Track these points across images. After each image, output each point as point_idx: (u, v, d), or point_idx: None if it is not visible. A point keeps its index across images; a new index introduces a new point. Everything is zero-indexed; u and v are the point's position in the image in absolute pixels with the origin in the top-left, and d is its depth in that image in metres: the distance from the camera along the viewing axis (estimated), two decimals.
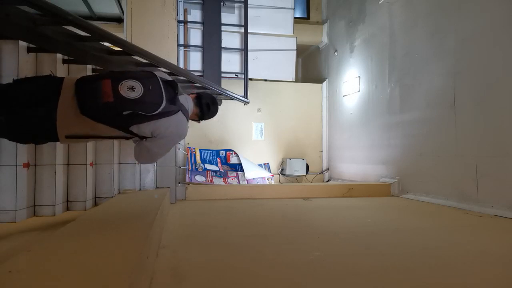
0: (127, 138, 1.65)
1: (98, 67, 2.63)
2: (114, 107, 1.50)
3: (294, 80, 5.34)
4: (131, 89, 1.52)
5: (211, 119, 2.05)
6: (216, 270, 1.41)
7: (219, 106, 2.18)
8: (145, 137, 1.64)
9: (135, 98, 1.51)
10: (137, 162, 1.77)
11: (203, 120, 2.01)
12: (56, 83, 1.53)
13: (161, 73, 1.78)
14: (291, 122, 5.78)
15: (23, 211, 2.17)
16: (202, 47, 4.36)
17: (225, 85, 4.37)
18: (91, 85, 1.52)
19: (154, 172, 3.04)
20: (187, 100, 1.84)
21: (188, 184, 3.94)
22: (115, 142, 2.75)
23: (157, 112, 1.56)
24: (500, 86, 2.67)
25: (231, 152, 5.28)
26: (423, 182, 3.47)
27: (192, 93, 1.96)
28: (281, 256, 1.61)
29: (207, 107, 1.93)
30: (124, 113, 1.51)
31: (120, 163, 2.88)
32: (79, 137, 1.56)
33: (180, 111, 1.69)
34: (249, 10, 4.57)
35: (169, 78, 1.76)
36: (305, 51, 6.75)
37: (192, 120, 1.96)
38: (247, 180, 4.92)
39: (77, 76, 1.60)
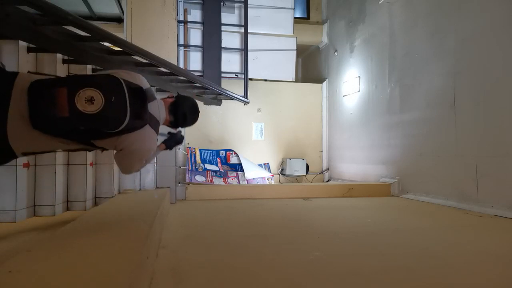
0: (90, 150, 1.53)
1: (98, 67, 2.63)
2: (69, 123, 1.31)
3: (294, 80, 5.34)
4: (90, 101, 1.30)
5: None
6: (216, 270, 1.41)
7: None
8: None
9: (94, 113, 1.30)
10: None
11: (179, 128, 1.79)
12: (6, 83, 1.30)
13: (129, 75, 1.51)
14: (291, 122, 5.78)
15: (23, 211, 2.17)
16: (202, 47, 4.36)
17: (225, 85, 4.37)
18: (45, 94, 1.30)
19: (154, 172, 3.04)
20: (159, 108, 1.60)
21: (188, 184, 3.94)
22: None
23: (118, 130, 1.37)
24: (500, 86, 2.67)
25: (231, 152, 5.28)
26: (423, 182, 3.47)
27: (168, 97, 1.71)
28: (281, 256, 1.61)
29: (182, 116, 1.67)
30: (82, 128, 1.34)
31: None
32: (37, 153, 1.42)
33: (147, 125, 1.48)
34: (249, 10, 4.57)
35: (139, 82, 1.50)
36: (305, 51, 6.75)
37: (166, 126, 1.72)
38: (247, 180, 4.92)
39: (31, 76, 1.37)
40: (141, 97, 1.45)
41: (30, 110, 1.27)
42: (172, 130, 1.84)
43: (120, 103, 1.35)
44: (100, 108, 1.30)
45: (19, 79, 1.32)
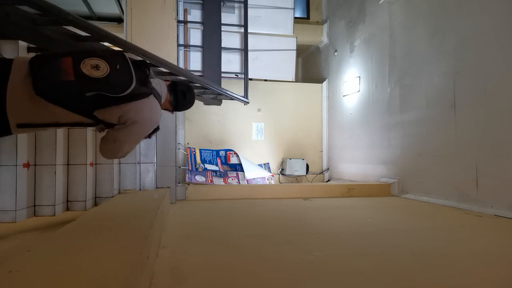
0: (91, 125, 1.47)
1: None
2: (75, 87, 1.30)
3: (294, 80, 5.34)
4: (95, 68, 1.30)
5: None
6: (216, 270, 1.41)
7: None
8: (112, 125, 1.46)
9: (100, 77, 1.30)
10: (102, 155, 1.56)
11: (177, 111, 1.84)
12: (4, 64, 1.33)
13: (131, 54, 1.57)
14: (291, 122, 5.78)
15: (23, 211, 2.17)
16: (202, 47, 4.36)
17: (225, 85, 4.37)
18: (48, 63, 1.31)
19: (154, 172, 3.04)
20: (160, 85, 1.64)
21: (188, 184, 3.94)
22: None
23: (126, 93, 1.36)
24: (500, 86, 2.67)
25: (231, 152, 5.28)
26: (423, 182, 3.47)
27: (166, 79, 1.78)
28: (281, 256, 1.61)
29: (182, 94, 1.73)
30: (87, 94, 1.33)
31: (120, 163, 2.88)
32: (33, 126, 1.36)
33: (152, 95, 1.50)
34: (249, 10, 4.57)
35: (138, 58, 1.54)
36: (305, 51, 6.75)
37: (165, 109, 1.76)
38: (247, 180, 4.92)
39: (29, 55, 1.39)
40: (143, 69, 1.48)
41: (33, 77, 1.28)
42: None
43: (125, 69, 1.38)
44: (106, 73, 1.32)
45: (17, 58, 1.36)
